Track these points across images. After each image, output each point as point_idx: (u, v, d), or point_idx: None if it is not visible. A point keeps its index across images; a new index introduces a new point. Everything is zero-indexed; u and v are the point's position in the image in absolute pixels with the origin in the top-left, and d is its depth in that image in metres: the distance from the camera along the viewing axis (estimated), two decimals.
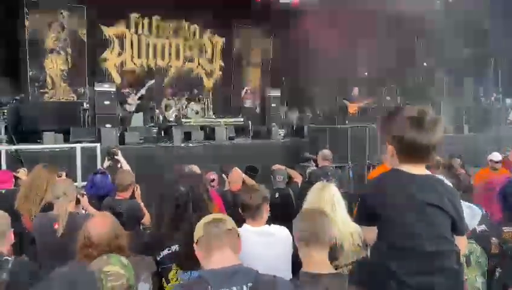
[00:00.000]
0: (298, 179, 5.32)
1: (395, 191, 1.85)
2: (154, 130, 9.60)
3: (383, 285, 1.81)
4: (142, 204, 3.83)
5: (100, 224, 2.23)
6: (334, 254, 2.44)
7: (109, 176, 4.49)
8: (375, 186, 1.99)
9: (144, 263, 2.24)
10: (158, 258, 2.30)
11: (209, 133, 9.79)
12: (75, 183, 3.91)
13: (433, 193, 1.84)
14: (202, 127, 10.23)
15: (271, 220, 2.79)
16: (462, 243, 1.96)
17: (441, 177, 2.01)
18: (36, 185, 3.50)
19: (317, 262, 1.99)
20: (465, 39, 12.71)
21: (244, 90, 10.39)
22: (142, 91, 9.52)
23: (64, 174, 4.40)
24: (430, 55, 13.97)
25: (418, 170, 1.87)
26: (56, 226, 2.84)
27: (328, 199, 2.78)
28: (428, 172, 1.91)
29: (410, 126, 1.80)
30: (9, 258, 2.26)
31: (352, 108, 11.33)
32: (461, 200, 1.98)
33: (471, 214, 2.47)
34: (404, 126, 1.81)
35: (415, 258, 1.79)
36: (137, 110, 9.59)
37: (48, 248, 2.87)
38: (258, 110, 10.61)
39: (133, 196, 3.88)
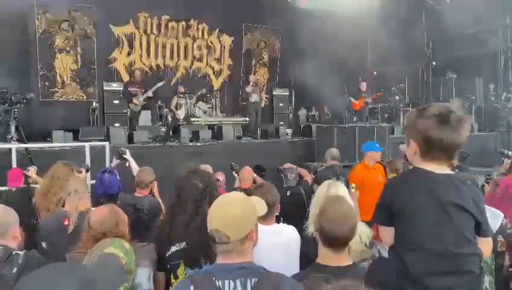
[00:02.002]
0: (308, 177, 5.31)
1: (418, 191, 1.81)
2: (162, 129, 9.65)
3: (400, 286, 1.78)
4: (160, 201, 3.86)
5: (100, 211, 2.28)
6: None
7: (117, 174, 4.52)
8: (396, 186, 1.94)
9: (144, 250, 2.28)
10: (167, 255, 2.31)
11: (217, 132, 9.81)
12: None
13: (457, 192, 1.80)
14: (210, 126, 10.26)
15: (282, 219, 2.78)
16: (487, 245, 1.89)
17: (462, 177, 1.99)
18: (55, 183, 3.54)
19: (336, 259, 1.98)
20: (474, 37, 12.63)
21: (250, 84, 10.36)
22: (149, 93, 9.55)
23: (84, 170, 4.42)
24: (440, 54, 13.90)
25: (441, 169, 1.84)
26: (66, 223, 2.86)
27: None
28: (450, 171, 1.88)
29: (439, 125, 1.77)
30: (20, 253, 2.29)
31: (357, 105, 11.27)
32: None
33: (492, 215, 2.44)
34: (433, 125, 1.78)
35: (436, 260, 1.75)
36: (144, 109, 9.64)
37: (58, 245, 2.89)
38: (263, 104, 10.59)
39: (151, 194, 3.90)
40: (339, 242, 1.98)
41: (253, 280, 1.61)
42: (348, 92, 11.40)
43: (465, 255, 1.77)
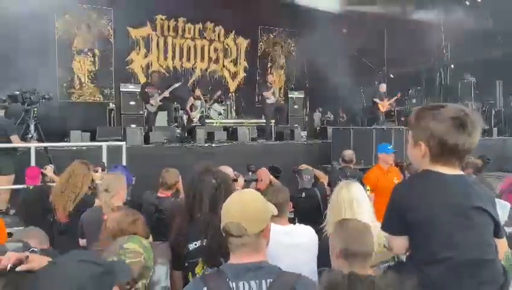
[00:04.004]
0: (324, 179, 5.27)
1: (433, 195, 1.69)
2: (178, 131, 9.69)
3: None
4: None
5: (117, 210, 2.29)
6: None
7: (128, 170, 4.56)
8: (407, 191, 1.79)
9: (160, 248, 2.29)
10: (185, 252, 2.30)
11: (232, 133, 9.82)
12: (98, 182, 3.98)
13: (475, 194, 1.70)
14: (225, 128, 10.27)
15: (297, 220, 2.76)
16: (503, 246, 1.81)
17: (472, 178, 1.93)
18: (72, 181, 3.59)
19: None
20: (494, 40, 12.41)
21: (268, 84, 10.35)
22: (166, 93, 9.61)
23: (100, 169, 4.47)
24: (458, 56, 13.70)
25: (453, 171, 1.74)
26: (106, 217, 2.90)
27: (348, 198, 2.69)
28: (462, 173, 1.78)
29: (456, 130, 1.68)
30: (36, 249, 2.31)
31: (384, 106, 11.17)
32: None
33: (500, 206, 2.38)
34: (449, 129, 1.68)
35: (459, 269, 1.63)
36: (160, 110, 9.70)
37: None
38: (281, 101, 10.58)
39: (175, 195, 3.91)
40: (365, 259, 1.91)
41: (268, 280, 1.58)
42: (365, 95, 11.32)
43: (489, 261, 1.66)
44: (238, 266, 1.61)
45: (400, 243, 1.76)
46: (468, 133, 1.67)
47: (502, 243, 1.79)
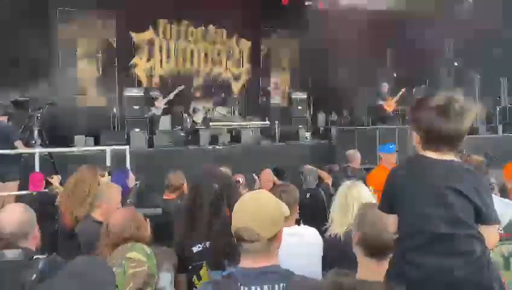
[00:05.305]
0: (328, 179, 5.28)
1: (414, 175, 1.84)
2: (182, 133, 9.70)
3: (401, 270, 1.76)
4: None
5: (120, 215, 2.26)
6: None
7: (129, 173, 4.56)
8: (395, 173, 1.95)
9: (165, 254, 2.26)
10: (188, 255, 2.29)
11: (236, 136, 9.82)
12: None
13: (455, 177, 1.79)
14: (229, 130, 10.28)
15: (302, 220, 2.76)
16: (490, 233, 1.83)
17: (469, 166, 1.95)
18: (79, 186, 3.58)
19: (375, 272, 1.87)
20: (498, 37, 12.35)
21: (272, 85, 10.36)
22: (170, 96, 9.63)
23: (106, 173, 4.47)
24: (461, 54, 13.64)
25: (443, 156, 1.83)
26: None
27: (357, 198, 2.70)
28: (454, 158, 1.86)
29: (437, 115, 1.78)
30: (41, 257, 2.28)
31: (390, 105, 11.10)
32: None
33: (503, 204, 2.35)
34: (431, 115, 1.79)
35: (430, 240, 1.74)
36: (165, 113, 9.73)
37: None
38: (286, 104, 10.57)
39: (181, 197, 3.91)
40: (384, 247, 1.91)
41: (281, 284, 1.54)
42: (369, 95, 11.29)
43: (461, 236, 1.74)
44: (250, 270, 1.56)
45: (391, 221, 1.88)
46: (452, 119, 1.77)
47: (489, 231, 1.82)
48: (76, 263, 1.59)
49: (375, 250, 1.92)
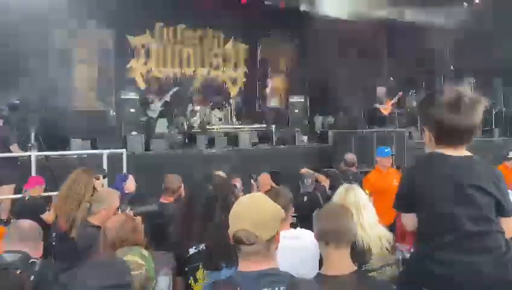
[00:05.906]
0: (325, 182, 5.30)
1: (435, 175, 1.82)
2: (179, 137, 9.69)
3: (427, 269, 1.77)
4: None
5: (116, 219, 2.27)
6: (363, 257, 2.38)
7: (127, 178, 4.55)
8: (413, 172, 1.95)
9: (163, 258, 2.26)
10: (185, 258, 2.28)
11: (233, 139, 9.81)
12: (100, 189, 3.97)
13: (476, 174, 1.80)
14: (226, 134, 10.27)
15: (299, 223, 2.76)
16: (510, 225, 1.86)
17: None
18: (75, 189, 3.56)
19: (337, 264, 1.92)
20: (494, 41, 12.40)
21: (269, 87, 10.37)
22: (167, 98, 9.63)
23: (101, 177, 4.45)
24: (458, 58, 13.69)
25: (458, 152, 1.83)
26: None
27: (353, 201, 2.71)
28: (468, 153, 1.87)
29: (448, 111, 1.77)
30: (36, 261, 2.30)
31: (387, 109, 11.12)
32: None
33: None
34: (443, 112, 1.78)
35: (460, 238, 1.75)
36: (160, 116, 9.72)
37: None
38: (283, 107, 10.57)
39: (178, 200, 3.91)
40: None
41: (281, 288, 1.53)
42: (366, 98, 11.31)
43: (486, 232, 1.76)
44: (250, 273, 1.56)
45: (410, 220, 1.91)
46: (463, 113, 1.76)
47: (509, 223, 1.85)
48: (96, 257, 1.75)
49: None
